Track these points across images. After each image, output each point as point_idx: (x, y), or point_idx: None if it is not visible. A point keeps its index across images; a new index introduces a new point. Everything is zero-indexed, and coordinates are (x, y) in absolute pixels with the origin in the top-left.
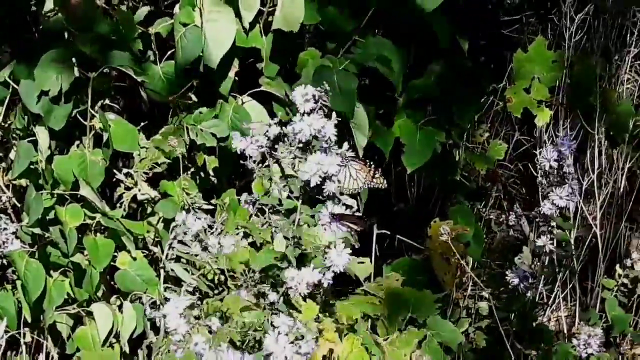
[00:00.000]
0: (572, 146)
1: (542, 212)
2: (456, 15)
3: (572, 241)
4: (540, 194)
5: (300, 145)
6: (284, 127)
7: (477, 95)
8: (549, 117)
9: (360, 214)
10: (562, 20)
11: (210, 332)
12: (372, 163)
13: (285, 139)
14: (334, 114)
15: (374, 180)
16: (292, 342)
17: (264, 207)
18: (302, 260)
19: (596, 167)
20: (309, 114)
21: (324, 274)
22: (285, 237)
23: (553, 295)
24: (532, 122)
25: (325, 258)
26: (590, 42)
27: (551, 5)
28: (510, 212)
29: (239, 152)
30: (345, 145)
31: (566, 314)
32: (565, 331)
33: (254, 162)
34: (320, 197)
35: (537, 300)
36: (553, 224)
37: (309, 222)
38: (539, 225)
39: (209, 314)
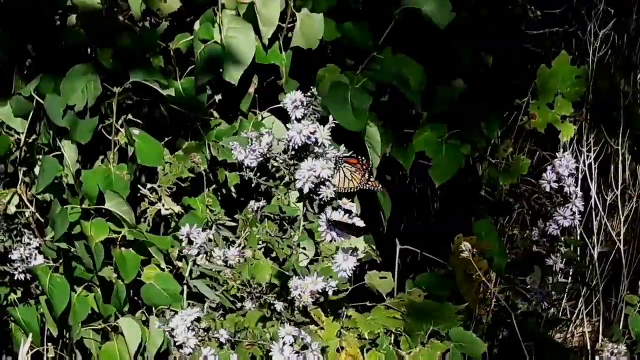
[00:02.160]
0: (570, 166)
1: (547, 233)
2: (479, 29)
3: (595, 257)
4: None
5: (293, 152)
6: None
7: (500, 110)
8: (572, 133)
9: (359, 221)
10: (585, 36)
11: (220, 345)
12: (364, 160)
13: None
14: (330, 118)
15: (369, 182)
16: (297, 352)
17: (284, 221)
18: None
19: (620, 182)
20: (299, 120)
21: (327, 282)
22: (289, 246)
23: (577, 311)
24: (556, 137)
25: (332, 262)
26: (614, 58)
27: (575, 20)
28: (534, 228)
29: (238, 162)
30: (342, 147)
31: (589, 330)
32: (589, 347)
33: (251, 171)
34: (321, 202)
35: (560, 316)
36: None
37: (313, 229)
38: (547, 244)
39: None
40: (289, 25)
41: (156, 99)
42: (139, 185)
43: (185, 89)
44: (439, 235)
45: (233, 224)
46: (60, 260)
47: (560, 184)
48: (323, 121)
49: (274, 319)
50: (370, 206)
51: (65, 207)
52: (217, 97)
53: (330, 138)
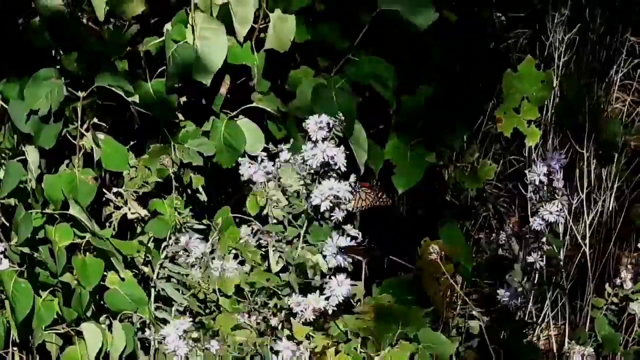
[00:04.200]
0: (561, 161)
1: (532, 228)
2: (447, 33)
3: (561, 260)
4: (529, 210)
5: (312, 171)
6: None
7: (468, 116)
8: (538, 137)
9: (366, 245)
10: (550, 40)
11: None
12: (376, 183)
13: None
14: (342, 148)
15: (381, 199)
16: None
17: (253, 226)
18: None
19: (585, 186)
20: (322, 141)
21: (328, 301)
22: (288, 263)
23: (542, 314)
24: (521, 141)
25: (326, 287)
26: (579, 62)
27: (540, 24)
28: (500, 232)
29: (245, 178)
30: (353, 176)
31: (555, 333)
32: (555, 350)
33: (261, 186)
34: (325, 224)
35: (526, 319)
36: (543, 240)
37: (312, 251)
38: (529, 243)
39: (207, 334)
40: (262, 26)
41: (124, 102)
42: (104, 190)
43: (156, 90)
44: (406, 240)
45: (201, 227)
46: (25, 265)
47: (550, 177)
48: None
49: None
50: None
51: (29, 211)
52: (182, 99)
53: (346, 162)
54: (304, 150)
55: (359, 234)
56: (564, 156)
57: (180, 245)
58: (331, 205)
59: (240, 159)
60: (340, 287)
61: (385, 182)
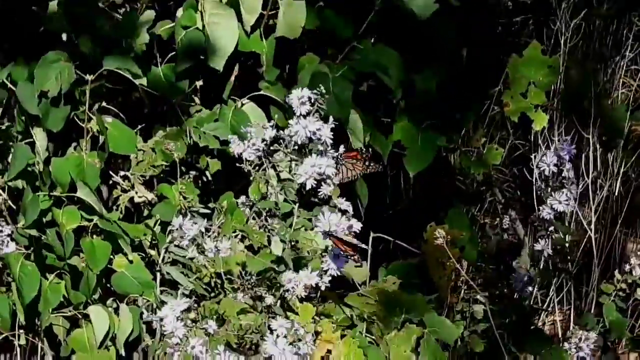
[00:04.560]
0: (571, 151)
1: (540, 217)
2: (453, 18)
3: (567, 245)
4: (536, 198)
5: (296, 147)
6: (281, 131)
7: (476, 100)
8: (545, 122)
9: (356, 242)
10: (557, 25)
11: (207, 334)
12: (364, 150)
13: (282, 142)
14: (331, 118)
15: (370, 167)
16: (290, 344)
17: (261, 210)
18: (299, 264)
19: (591, 171)
20: (305, 116)
21: (321, 277)
22: (282, 241)
23: (548, 300)
24: (527, 126)
25: (323, 261)
26: (586, 47)
27: (546, 9)
28: (505, 216)
29: (236, 155)
30: (342, 148)
31: (561, 318)
32: (560, 335)
33: (251, 165)
34: (316, 200)
35: (532, 304)
36: (551, 228)
37: (306, 226)
38: (536, 229)
39: (205, 316)
40: (271, 13)
41: (133, 85)
42: (111, 173)
43: (166, 74)
44: (412, 224)
45: (207, 211)
46: (32, 248)
47: (560, 167)
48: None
49: (259, 309)
50: (345, 194)
51: (36, 194)
52: (199, 83)
53: (332, 136)
54: (289, 126)
55: (349, 207)
56: (574, 146)
57: (185, 230)
58: (316, 182)
59: (229, 136)
60: (336, 261)
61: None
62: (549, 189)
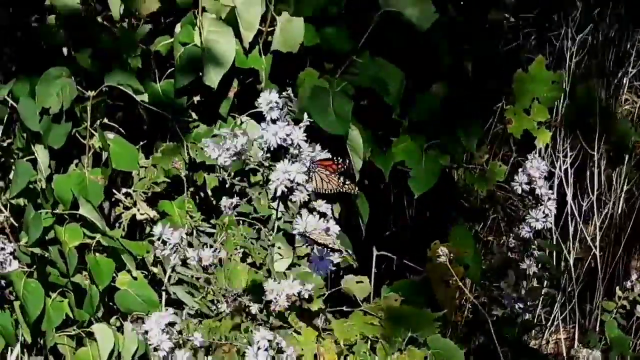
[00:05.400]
0: (541, 169)
1: (520, 236)
2: (457, 34)
3: (571, 263)
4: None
5: (269, 154)
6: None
7: (479, 119)
8: (549, 138)
9: (334, 226)
10: (562, 40)
11: (194, 350)
12: (339, 161)
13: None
14: (305, 116)
15: (346, 185)
16: (272, 358)
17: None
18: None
19: (595, 188)
20: (274, 121)
21: (304, 285)
22: (263, 247)
23: (552, 318)
24: (531, 142)
25: (308, 266)
26: (590, 63)
27: (549, 24)
28: (510, 234)
29: (213, 159)
30: (318, 147)
31: (565, 337)
32: (564, 354)
33: (225, 171)
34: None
35: (535, 322)
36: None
37: (287, 229)
38: (521, 248)
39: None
40: (269, 29)
41: (133, 101)
42: (113, 190)
43: (165, 91)
44: (415, 242)
45: (213, 230)
46: (35, 266)
47: (532, 185)
48: (297, 121)
49: (249, 323)
50: (347, 211)
51: (39, 211)
52: (196, 99)
53: (305, 138)
54: (261, 130)
55: (328, 209)
56: (545, 164)
57: (165, 239)
58: (286, 189)
59: (203, 139)
60: (321, 262)
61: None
62: (526, 207)
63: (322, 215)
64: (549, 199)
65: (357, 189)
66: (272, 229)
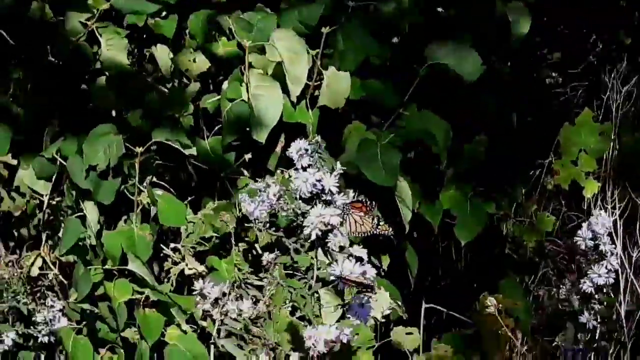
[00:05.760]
0: (606, 225)
1: (582, 290)
2: (502, 87)
3: (622, 315)
4: (578, 271)
5: (301, 201)
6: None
7: (525, 169)
8: (596, 189)
9: (370, 269)
10: (608, 92)
11: None
12: (373, 204)
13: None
14: (338, 164)
15: (379, 227)
16: None
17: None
18: None
19: None
20: (305, 168)
21: (342, 331)
22: (302, 296)
23: None
24: (579, 196)
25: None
26: (637, 113)
27: (596, 77)
28: (561, 287)
29: (247, 215)
30: (351, 193)
31: None
32: None
33: (261, 223)
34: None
35: None
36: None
37: (326, 277)
38: (580, 301)
39: None
40: (316, 84)
41: (182, 159)
42: (162, 245)
43: (213, 147)
44: (464, 294)
45: (260, 283)
46: (84, 322)
47: (596, 242)
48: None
49: None
50: (396, 263)
51: (88, 268)
52: (247, 156)
53: (338, 184)
54: (292, 179)
55: (364, 254)
56: (610, 221)
57: (205, 293)
58: (321, 232)
59: (240, 194)
60: (362, 309)
61: (386, 209)
62: (588, 263)
63: (359, 259)
64: (612, 254)
65: (391, 229)
66: (312, 277)
